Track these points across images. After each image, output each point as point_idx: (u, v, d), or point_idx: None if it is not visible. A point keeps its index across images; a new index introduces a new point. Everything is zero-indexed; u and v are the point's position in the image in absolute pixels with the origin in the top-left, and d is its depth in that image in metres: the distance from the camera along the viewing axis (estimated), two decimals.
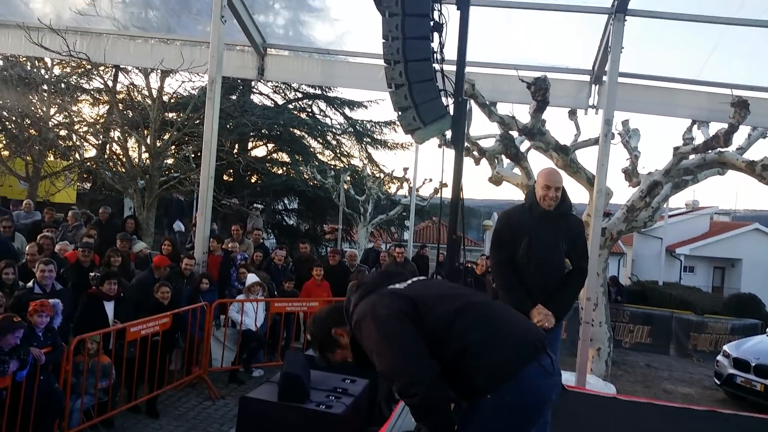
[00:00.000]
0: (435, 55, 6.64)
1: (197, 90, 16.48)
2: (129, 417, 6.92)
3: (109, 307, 6.75)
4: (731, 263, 34.20)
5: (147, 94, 15.07)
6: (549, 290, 4.30)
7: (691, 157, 9.33)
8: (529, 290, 4.29)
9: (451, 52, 6.59)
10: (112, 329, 6.59)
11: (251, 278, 8.75)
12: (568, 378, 7.64)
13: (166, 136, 14.13)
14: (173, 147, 17.23)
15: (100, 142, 16.11)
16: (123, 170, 14.20)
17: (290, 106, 25.30)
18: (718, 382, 10.97)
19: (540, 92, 8.07)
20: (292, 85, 24.39)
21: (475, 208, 57.41)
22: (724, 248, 33.40)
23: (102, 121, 17.12)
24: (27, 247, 7.72)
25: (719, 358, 11.20)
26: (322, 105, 25.95)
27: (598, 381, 8.27)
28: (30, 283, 6.42)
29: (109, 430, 6.52)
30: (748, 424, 6.23)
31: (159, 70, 13.74)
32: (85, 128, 16.70)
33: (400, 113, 6.41)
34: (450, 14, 6.52)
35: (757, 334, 13.28)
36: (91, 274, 7.61)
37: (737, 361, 10.56)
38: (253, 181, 23.44)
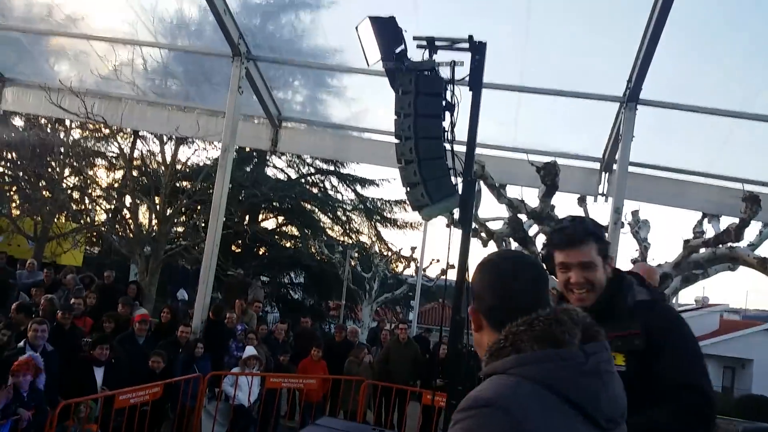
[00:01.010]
0: (446, 134, 6.69)
1: (210, 159, 16.72)
2: None
3: (99, 373, 6.56)
4: (742, 364, 33.38)
5: (161, 160, 15.28)
6: None
7: (702, 250, 9.20)
8: None
9: (462, 133, 6.64)
10: (101, 396, 6.39)
11: (249, 351, 8.54)
12: None
13: (177, 204, 14.21)
14: (184, 215, 17.35)
15: (111, 207, 16.25)
16: (131, 235, 14.21)
17: (302, 181, 25.59)
18: None
19: (549, 177, 8.08)
20: (306, 159, 24.76)
21: None
22: (734, 347, 32.66)
23: (116, 186, 17.31)
24: (14, 306, 7.60)
25: None
26: (335, 181, 26.24)
27: None
28: (21, 343, 6.27)
29: None
30: None
31: (174, 138, 13.96)
32: (99, 192, 16.86)
33: (408, 189, 6.40)
34: (462, 95, 6.62)
35: None
36: (85, 339, 7.46)
37: None
38: (261, 252, 23.43)
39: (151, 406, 6.85)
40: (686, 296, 43.97)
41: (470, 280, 1.58)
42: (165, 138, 15.02)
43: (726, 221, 9.21)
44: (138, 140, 17.01)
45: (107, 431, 6.41)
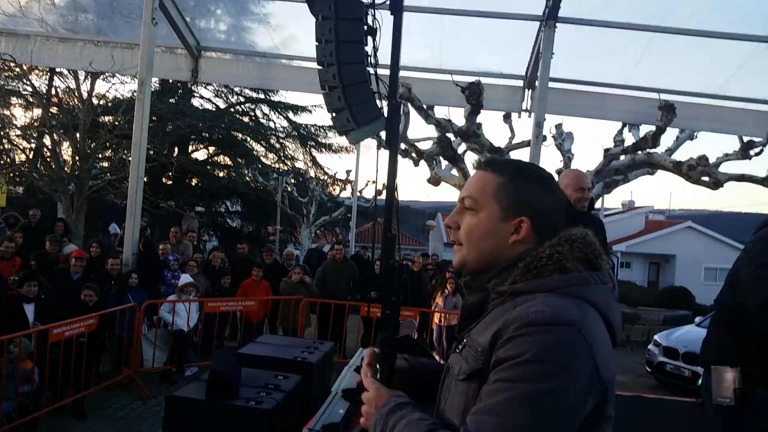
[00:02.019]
0: (369, 58, 6.67)
1: (132, 93, 16.12)
2: (55, 419, 6.68)
3: (30, 310, 6.53)
4: (666, 259, 35.45)
5: (78, 96, 14.66)
6: None
7: (622, 157, 9.61)
8: None
9: (385, 57, 6.63)
10: (34, 331, 6.37)
11: (184, 278, 8.61)
12: None
13: (98, 140, 13.75)
14: (110, 150, 16.81)
15: (31, 145, 15.58)
16: (53, 174, 13.75)
17: (232, 110, 24.98)
18: (650, 370, 11.35)
19: (474, 96, 8.21)
20: (234, 89, 24.10)
21: (420, 209, 57.90)
22: (659, 245, 34.59)
23: (36, 125, 16.56)
24: None
25: (650, 347, 11.58)
26: (266, 109, 25.70)
27: None
28: None
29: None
30: (669, 406, 6.56)
31: (89, 73, 13.38)
32: (17, 132, 16.12)
33: (334, 114, 6.43)
34: (384, 19, 6.57)
35: (687, 325, 13.75)
36: (11, 277, 7.35)
37: (667, 349, 10.93)
38: (193, 184, 23.04)
39: (87, 338, 6.88)
40: (613, 201, 45.82)
41: (517, 188, 1.46)
42: (81, 74, 14.35)
43: (645, 130, 9.61)
44: (55, 77, 16.22)
45: (44, 366, 6.43)
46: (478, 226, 1.48)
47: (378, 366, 1.62)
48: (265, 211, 24.82)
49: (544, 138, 8.41)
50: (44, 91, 15.64)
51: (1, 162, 16.04)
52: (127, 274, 8.04)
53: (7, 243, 8.38)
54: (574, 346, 1.21)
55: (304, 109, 25.61)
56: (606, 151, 9.52)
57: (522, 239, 1.44)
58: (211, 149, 25.16)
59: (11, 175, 16.85)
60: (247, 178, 22.72)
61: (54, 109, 15.52)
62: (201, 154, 24.93)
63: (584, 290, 1.34)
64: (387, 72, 6.50)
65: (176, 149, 22.08)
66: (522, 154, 11.29)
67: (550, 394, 1.18)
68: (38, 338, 6.42)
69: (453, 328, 9.87)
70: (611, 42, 8.78)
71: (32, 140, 15.38)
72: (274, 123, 25.95)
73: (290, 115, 25.79)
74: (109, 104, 16.77)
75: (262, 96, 24.83)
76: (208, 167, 23.90)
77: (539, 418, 1.17)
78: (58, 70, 15.26)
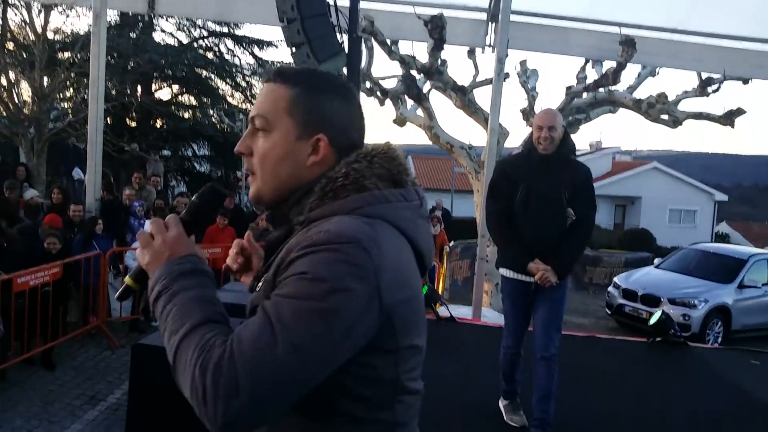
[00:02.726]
0: None
1: (89, 27, 15.54)
2: (23, 369, 6.74)
3: None
4: (631, 201, 35.98)
5: (30, 32, 14.11)
6: (549, 242, 3.91)
7: (584, 95, 9.64)
8: (527, 243, 3.95)
9: None
10: None
11: (149, 225, 8.54)
12: (465, 312, 7.94)
13: (56, 78, 13.34)
14: (71, 90, 16.32)
15: None
16: (10, 115, 13.35)
17: (195, 45, 24.28)
18: (609, 312, 11.69)
19: (436, 30, 8.11)
20: (197, 21, 23.36)
21: None
22: (624, 187, 35.04)
23: None
24: None
25: (610, 289, 11.92)
26: (230, 44, 24.97)
27: (494, 314, 8.61)
28: None
29: (1, 383, 6.32)
30: (620, 346, 6.80)
31: (43, 5, 12.86)
32: None
33: (293, 50, 6.32)
34: None
35: (647, 266, 14.13)
36: None
37: (626, 291, 11.26)
38: (158, 126, 22.56)
39: (52, 287, 6.84)
40: (581, 142, 46.09)
41: (313, 100, 1.31)
42: (35, 6, 13.77)
43: (608, 66, 9.61)
44: (9, 9, 15.56)
45: (8, 315, 6.41)
46: (272, 149, 1.31)
47: (190, 211, 1.42)
48: (233, 155, 24.35)
49: (507, 75, 8.36)
50: None
51: None
52: (92, 221, 7.94)
53: None
54: (354, 266, 1.11)
55: (269, 44, 24.96)
56: (568, 89, 9.53)
57: (321, 160, 1.30)
58: (175, 88, 24.52)
59: None
60: (213, 118, 22.28)
61: (10, 45, 14.96)
62: (165, 94, 24.30)
63: (382, 209, 1.24)
64: (347, 3, 6.42)
65: (139, 88, 21.52)
66: (486, 92, 11.24)
67: (319, 313, 1.08)
68: (2, 288, 6.37)
69: None
70: None
71: None
72: (239, 59, 25.32)
73: (255, 50, 25.09)
74: (67, 39, 16.21)
75: (225, 30, 24.13)
76: (173, 107, 23.35)
77: (302, 334, 1.07)
78: (11, 1, 14.64)
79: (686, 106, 10.71)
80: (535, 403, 3.97)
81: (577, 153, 4.19)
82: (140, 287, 1.35)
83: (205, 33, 24.34)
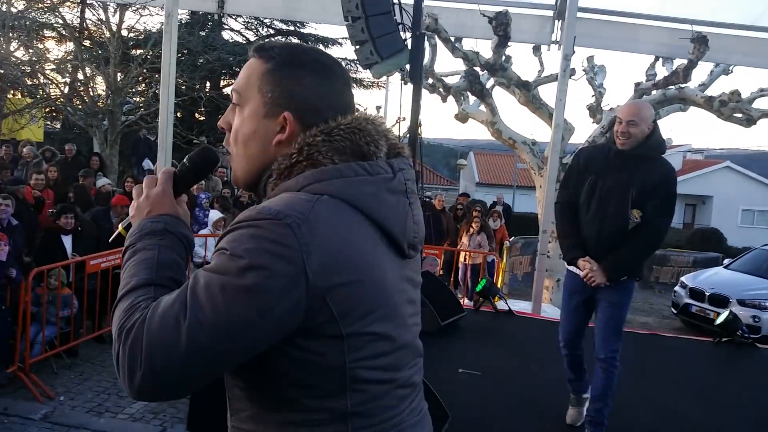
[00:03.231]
0: None
1: (161, 25, 16.09)
2: (94, 347, 7.09)
3: (67, 241, 6.80)
4: (702, 200, 34.84)
5: (105, 30, 14.72)
6: (606, 241, 3.68)
7: (653, 92, 9.43)
8: (583, 238, 3.78)
9: None
10: (71, 262, 6.66)
11: (214, 215, 8.81)
12: (524, 307, 7.90)
13: (129, 74, 13.86)
14: (143, 84, 16.92)
15: (66, 80, 15.75)
16: (85, 107, 13.96)
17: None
18: (675, 312, 11.41)
19: (501, 27, 8.07)
20: (264, 20, 23.87)
21: (453, 147, 57.47)
22: (695, 186, 33.94)
23: (70, 59, 16.70)
24: None
25: (677, 288, 11.62)
26: (296, 42, 25.44)
27: (555, 310, 8.53)
28: None
29: (73, 359, 6.67)
30: (685, 344, 6.66)
31: (117, 4, 13.40)
32: (51, 66, 16.29)
33: (357, 47, 6.43)
34: None
35: (715, 267, 13.70)
36: (50, 210, 7.62)
37: (693, 291, 10.95)
38: None
39: None
40: None
41: (283, 76, 1.23)
42: (111, 6, 14.36)
43: (678, 64, 9.37)
44: (87, 9, 16.24)
45: (82, 295, 6.75)
46: (241, 125, 1.26)
47: (181, 168, 1.39)
48: None
49: (573, 71, 8.26)
50: (76, 24, 15.71)
51: (37, 96, 16.33)
52: None
53: (37, 176, 8.60)
54: (274, 243, 1.04)
55: (334, 42, 25.26)
56: (636, 85, 9.33)
57: (287, 138, 1.22)
58: None
59: (48, 109, 17.15)
60: None
61: (87, 43, 15.62)
62: None
63: (334, 184, 1.14)
64: (411, 1, 6.48)
65: (208, 84, 22.14)
66: (551, 89, 11.12)
67: (233, 290, 1.03)
68: (76, 269, 6.72)
69: (477, 267, 10.02)
70: None
71: (66, 74, 15.54)
72: None
73: (321, 47, 25.49)
74: (140, 37, 16.82)
75: (292, 28, 24.58)
76: None
77: (211, 309, 1.02)
78: (88, 1, 15.27)
79: (761, 104, 10.36)
80: (589, 402, 3.94)
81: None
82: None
83: (271, 31, 24.85)
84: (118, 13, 14.54)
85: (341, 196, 1.13)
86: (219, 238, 1.13)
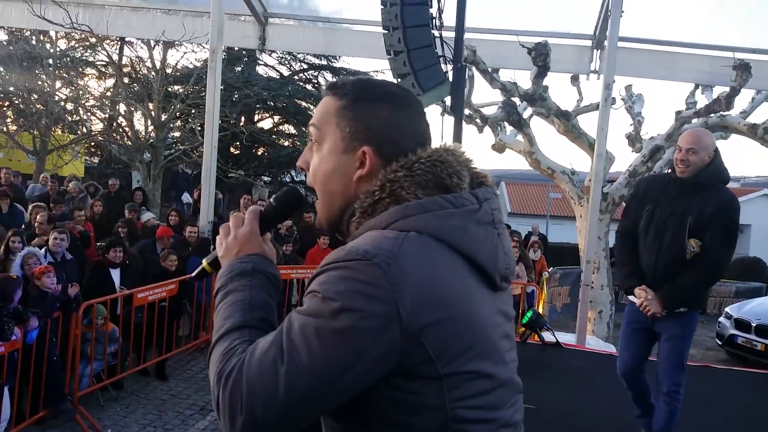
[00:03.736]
0: (434, 21, 6.69)
1: (200, 62, 16.50)
2: (138, 380, 7.15)
3: (116, 275, 6.91)
4: (740, 229, 34.11)
5: (150, 66, 15.13)
6: (660, 271, 3.67)
7: (694, 121, 9.33)
8: (640, 267, 3.78)
9: (450, 19, 6.62)
10: (120, 295, 6.76)
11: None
12: (568, 339, 7.78)
13: (171, 109, 14.21)
14: (179, 120, 17.31)
15: (106, 115, 16.21)
16: (129, 143, 14.31)
17: (295, 78, 25.22)
18: (720, 343, 11.13)
19: (540, 58, 8.10)
20: (298, 56, 24.29)
21: None
22: None
23: (108, 95, 17.18)
24: (38, 217, 7.76)
25: (721, 319, 11.33)
26: (328, 76, 25.77)
27: (598, 342, 8.39)
28: (42, 251, 6.53)
29: (119, 392, 6.73)
30: (740, 378, 6.45)
31: (161, 42, 13.78)
32: (92, 102, 16.77)
33: (399, 80, 6.47)
34: None
35: (760, 297, 13.36)
36: (98, 243, 7.76)
37: (738, 321, 10.68)
38: (259, 153, 23.51)
39: (168, 302, 7.25)
40: None
41: (359, 110, 1.23)
42: (152, 43, 14.79)
43: (718, 91, 9.30)
44: (125, 46, 16.75)
45: (129, 327, 6.83)
46: (321, 163, 1.25)
47: (267, 208, 1.41)
48: None
49: (614, 101, 8.24)
50: (116, 61, 16.21)
51: (78, 132, 16.80)
52: (205, 242, 8.36)
53: (78, 212, 8.73)
54: (365, 284, 1.03)
55: (365, 75, 25.60)
56: (677, 114, 9.25)
57: (368, 173, 1.20)
58: (276, 118, 25.53)
59: (89, 145, 17.60)
60: None
61: (126, 79, 16.06)
62: (266, 123, 25.34)
63: (419, 220, 1.12)
64: (451, 35, 6.55)
65: (243, 118, 22.52)
66: (590, 118, 11.08)
67: (327, 333, 1.03)
68: (123, 302, 6.82)
69: (516, 298, 9.89)
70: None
71: (106, 110, 15.99)
72: None
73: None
74: (178, 73, 17.25)
75: (324, 62, 24.97)
76: (274, 137, 24.28)
77: (307, 353, 1.03)
78: (127, 39, 15.75)
79: None
80: None
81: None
82: (213, 271, 1.43)
83: (305, 66, 25.27)
84: (159, 49, 14.94)
85: (428, 232, 1.11)
86: (310, 280, 1.12)
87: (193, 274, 1.53)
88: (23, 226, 8.05)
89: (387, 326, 1.02)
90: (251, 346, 1.09)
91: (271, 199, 1.44)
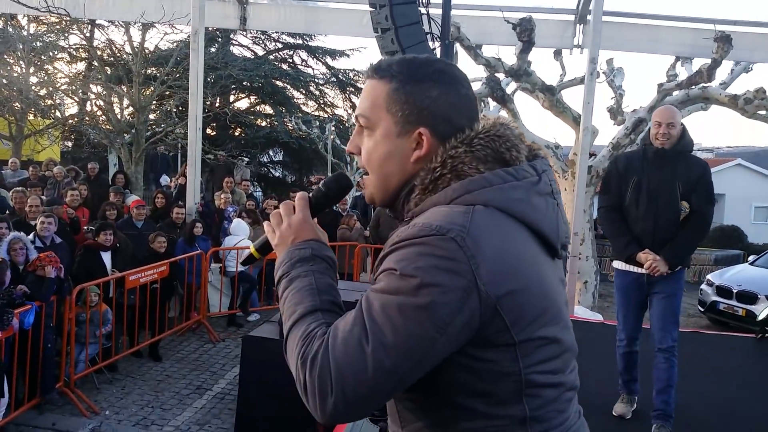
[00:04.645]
0: None
1: (178, 43, 16.24)
2: (132, 361, 7.16)
3: (107, 258, 6.87)
4: (715, 198, 34.68)
5: (128, 49, 14.86)
6: (661, 233, 3.92)
7: (675, 93, 9.46)
8: (636, 235, 3.99)
9: None
10: (112, 278, 6.73)
11: (238, 224, 8.85)
12: None
13: (148, 91, 14.00)
14: (155, 102, 17.08)
15: (79, 99, 15.93)
16: (108, 126, 14.11)
17: (271, 57, 24.96)
18: (702, 310, 11.39)
19: (525, 33, 8.13)
20: (272, 35, 24.04)
21: None
22: None
23: (82, 78, 16.87)
24: (29, 200, 7.63)
25: (703, 286, 11.59)
26: (304, 55, 25.58)
27: (585, 311, 8.55)
28: (30, 236, 6.46)
29: (113, 374, 6.73)
30: (730, 342, 6.63)
31: (140, 24, 13.54)
32: (65, 86, 16.46)
33: (386, 57, 6.43)
34: None
35: (739, 264, 13.67)
36: (86, 227, 7.69)
37: (720, 288, 10.94)
38: (237, 134, 23.29)
39: (160, 284, 7.23)
40: None
41: (410, 92, 1.23)
42: (130, 24, 14.52)
43: (698, 63, 9.42)
44: (96, 29, 16.42)
45: (122, 310, 6.82)
46: (375, 148, 1.27)
47: (317, 194, 1.43)
48: (308, 160, 24.95)
49: (598, 74, 8.31)
50: (91, 45, 15.92)
51: (53, 117, 16.50)
52: (193, 223, 8.33)
53: (72, 192, 8.64)
54: (443, 258, 1.05)
55: (342, 53, 25.41)
56: (659, 86, 9.35)
57: (426, 153, 1.22)
58: (253, 98, 25.29)
59: (64, 129, 17.30)
60: (290, 126, 22.82)
61: (99, 62, 15.80)
62: (243, 104, 25.08)
63: (484, 193, 1.14)
64: (438, 11, 6.54)
65: (219, 100, 22.27)
66: (575, 92, 11.19)
67: (409, 309, 1.05)
68: (116, 285, 6.79)
69: None
70: None
71: (79, 94, 15.70)
72: (313, 69, 25.88)
73: (328, 60, 25.64)
74: (155, 54, 16.98)
75: (299, 42, 24.73)
76: (251, 117, 24.07)
77: (391, 330, 1.05)
78: (98, 21, 15.45)
79: None
80: (655, 395, 3.97)
81: None
82: (261, 257, 1.46)
83: (279, 45, 25.02)
84: (140, 32, 14.68)
85: (494, 204, 1.13)
86: (379, 258, 1.15)
87: (241, 260, 1.61)
88: (7, 212, 7.96)
89: (466, 298, 1.05)
90: (331, 328, 1.12)
91: (320, 185, 1.44)
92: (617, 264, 4.20)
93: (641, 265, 3.96)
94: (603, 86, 10.85)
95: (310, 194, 1.42)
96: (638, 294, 4.11)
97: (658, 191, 3.92)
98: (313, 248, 1.29)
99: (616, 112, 10.53)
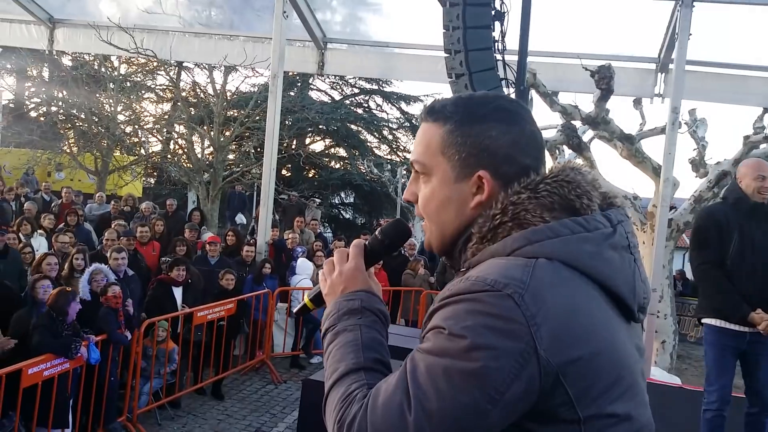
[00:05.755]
0: (496, 44, 6.63)
1: (258, 86, 16.82)
2: (195, 398, 7.16)
3: (178, 293, 6.97)
4: None
5: (210, 91, 15.48)
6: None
7: (762, 146, 9.07)
8: (744, 293, 3.84)
9: (513, 42, 6.56)
10: (181, 313, 6.81)
11: (304, 264, 8.88)
12: None
13: (228, 132, 14.48)
14: (234, 142, 17.66)
15: (163, 138, 16.64)
16: (188, 164, 14.62)
17: (347, 102, 25.52)
18: None
19: (604, 80, 7.98)
20: (350, 80, 24.62)
21: None
22: None
23: (166, 117, 17.66)
24: (106, 234, 7.90)
25: None
26: (379, 100, 26.08)
27: (662, 373, 8.09)
28: (105, 269, 6.64)
29: (176, 411, 6.75)
30: None
31: (222, 67, 14.10)
32: (150, 125, 17.25)
33: None
34: (512, 2, 6.52)
35: None
36: (162, 259, 7.87)
37: None
38: (311, 175, 23.79)
39: (226, 321, 7.28)
40: None
41: (466, 133, 1.14)
42: (213, 66, 15.16)
43: None
44: (183, 72, 17.21)
45: (188, 346, 6.88)
46: (431, 195, 1.17)
47: (374, 241, 1.35)
48: (378, 203, 25.18)
49: (680, 125, 8.05)
50: (177, 85, 16.70)
51: (137, 154, 17.28)
52: (262, 263, 8.41)
53: (141, 228, 8.86)
54: (497, 318, 0.94)
55: (416, 99, 25.77)
56: (746, 138, 8.98)
57: (487, 198, 1.11)
58: (327, 141, 25.84)
59: (146, 166, 18.08)
60: (362, 169, 23.14)
61: (182, 103, 16.53)
62: (318, 146, 25.65)
63: (549, 245, 1.02)
64: (514, 58, 6.48)
65: (295, 142, 22.83)
66: (655, 142, 10.88)
67: (456, 375, 0.94)
68: (183, 320, 6.88)
69: None
70: (750, 20, 8.32)
71: (164, 133, 16.43)
72: (387, 114, 26.30)
73: (402, 105, 26.02)
74: (236, 97, 17.63)
75: (375, 87, 25.21)
76: (325, 159, 24.55)
77: (436, 397, 0.95)
78: (184, 64, 16.19)
79: None
80: None
81: None
82: (315, 308, 1.37)
83: (356, 90, 25.58)
84: (220, 74, 15.31)
85: (559, 258, 1.01)
86: (429, 313, 1.05)
87: (296, 310, 1.48)
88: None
89: (523, 365, 0.93)
90: (372, 390, 1.03)
91: (377, 232, 1.37)
92: (712, 321, 3.99)
93: (747, 324, 3.80)
94: (684, 137, 10.52)
95: (366, 242, 1.34)
96: (734, 353, 3.96)
97: (763, 248, 3.81)
98: (363, 300, 1.20)
99: (698, 164, 10.15)
